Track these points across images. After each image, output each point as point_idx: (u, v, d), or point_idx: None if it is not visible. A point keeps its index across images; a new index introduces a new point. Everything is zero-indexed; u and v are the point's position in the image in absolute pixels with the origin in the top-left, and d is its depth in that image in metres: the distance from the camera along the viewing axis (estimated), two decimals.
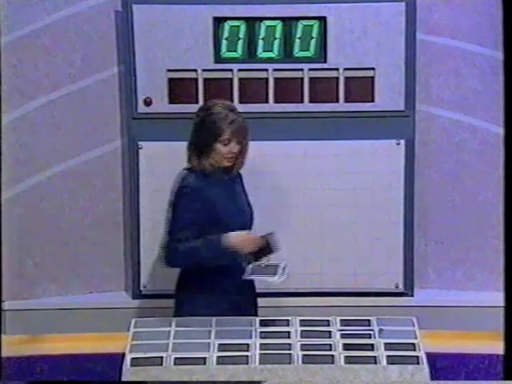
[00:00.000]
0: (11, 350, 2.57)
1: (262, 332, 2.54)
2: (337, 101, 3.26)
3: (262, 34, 3.25)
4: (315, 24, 3.24)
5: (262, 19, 3.24)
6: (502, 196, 2.25)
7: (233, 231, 2.65)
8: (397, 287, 3.35)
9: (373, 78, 3.25)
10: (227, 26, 3.24)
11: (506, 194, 2.25)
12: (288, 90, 3.26)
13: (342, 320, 2.60)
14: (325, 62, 3.26)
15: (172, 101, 3.28)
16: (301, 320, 2.60)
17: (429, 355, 2.42)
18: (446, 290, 3.42)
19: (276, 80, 3.26)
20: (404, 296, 3.36)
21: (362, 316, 2.64)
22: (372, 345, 2.47)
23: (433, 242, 3.43)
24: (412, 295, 3.38)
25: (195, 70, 3.25)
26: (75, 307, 3.32)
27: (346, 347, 2.46)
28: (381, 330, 2.55)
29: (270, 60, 3.27)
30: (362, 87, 3.26)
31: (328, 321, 2.60)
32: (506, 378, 2.28)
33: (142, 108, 3.28)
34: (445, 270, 3.44)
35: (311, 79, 3.26)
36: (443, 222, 3.42)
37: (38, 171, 3.34)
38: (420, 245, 3.40)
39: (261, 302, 2.94)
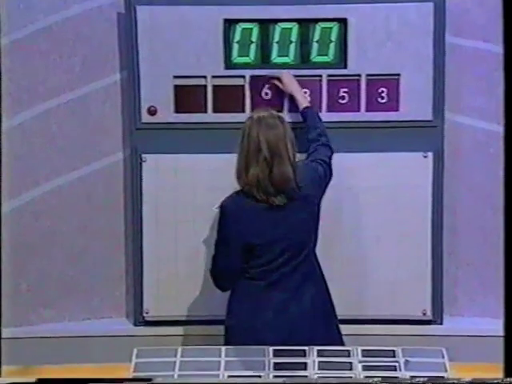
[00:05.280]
0: (3, 381, 2.58)
1: (275, 363, 2.51)
2: (358, 110, 3.24)
3: (277, 37, 3.24)
4: (334, 26, 3.23)
5: (276, 21, 3.23)
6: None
7: None
8: (424, 314, 3.31)
9: (398, 84, 3.23)
10: (239, 28, 3.23)
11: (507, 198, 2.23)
12: None
13: (363, 350, 2.58)
14: (345, 67, 3.25)
15: (178, 110, 3.27)
16: (318, 350, 2.58)
17: None
18: (479, 318, 3.39)
19: None
20: (432, 324, 3.32)
21: (386, 346, 2.61)
22: (397, 378, 2.44)
23: (464, 263, 3.40)
24: (441, 323, 3.34)
25: (204, 77, 3.24)
26: (72, 335, 3.30)
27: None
28: (407, 362, 2.53)
29: (285, 65, 3.25)
30: (385, 95, 3.24)
31: (348, 351, 2.58)
32: None
33: (145, 117, 3.27)
34: (477, 296, 3.40)
35: (330, 86, 3.24)
36: (475, 241, 3.39)
37: (33, 186, 3.34)
38: (450, 267, 3.37)
39: None
